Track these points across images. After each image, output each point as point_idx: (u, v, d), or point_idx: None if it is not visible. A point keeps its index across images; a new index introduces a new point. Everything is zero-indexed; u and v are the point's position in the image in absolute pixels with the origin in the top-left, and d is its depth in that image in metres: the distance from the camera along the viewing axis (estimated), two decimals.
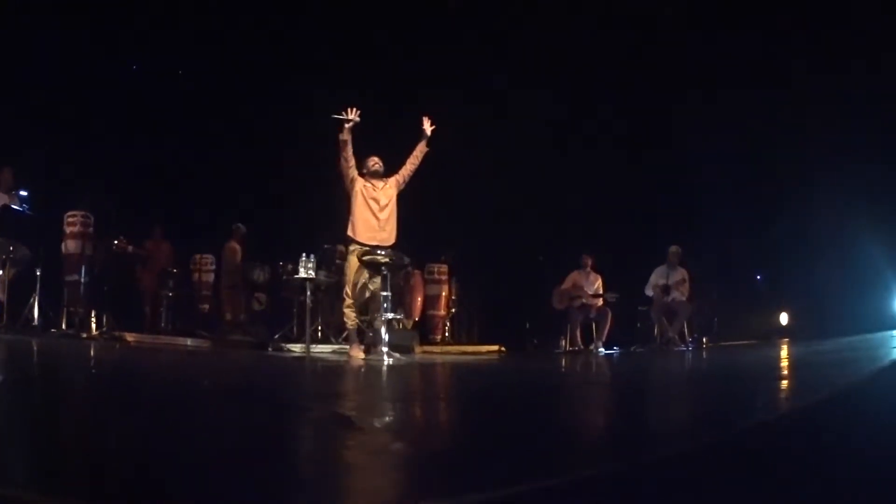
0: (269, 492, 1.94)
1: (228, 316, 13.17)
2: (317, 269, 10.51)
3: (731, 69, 13.75)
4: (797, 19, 13.10)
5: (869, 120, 13.06)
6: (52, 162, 11.27)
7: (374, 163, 9.83)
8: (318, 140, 13.15)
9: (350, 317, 9.85)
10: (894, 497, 2.16)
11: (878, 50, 12.55)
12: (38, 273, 10.08)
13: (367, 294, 9.69)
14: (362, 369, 7.95)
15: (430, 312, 13.85)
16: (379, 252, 9.32)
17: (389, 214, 9.79)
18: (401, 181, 9.87)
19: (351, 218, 9.70)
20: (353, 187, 9.64)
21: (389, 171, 9.88)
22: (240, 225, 13.46)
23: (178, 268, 13.15)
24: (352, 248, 9.62)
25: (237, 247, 13.38)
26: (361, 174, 9.74)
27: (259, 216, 13.69)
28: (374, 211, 9.69)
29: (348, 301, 9.79)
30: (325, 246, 11.95)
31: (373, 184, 9.72)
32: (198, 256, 13.50)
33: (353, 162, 9.57)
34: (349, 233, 9.68)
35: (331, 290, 12.02)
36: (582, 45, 14.00)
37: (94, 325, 10.44)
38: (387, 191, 9.78)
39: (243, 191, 13.49)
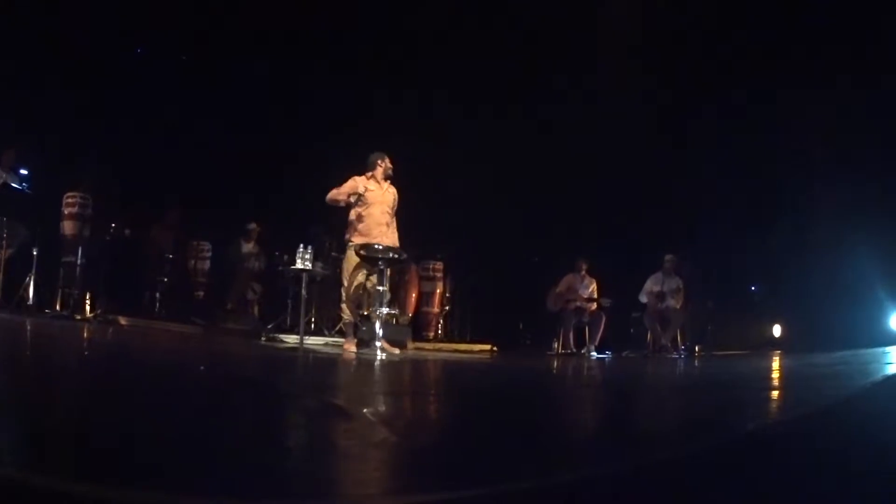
0: (260, 477, 1.95)
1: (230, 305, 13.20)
2: (313, 261, 10.51)
3: (731, 81, 13.77)
4: (796, 32, 13.11)
5: (866, 135, 13.09)
6: (53, 142, 11.24)
7: (390, 167, 9.87)
8: (318, 132, 13.24)
9: (346, 311, 9.88)
10: None
11: (876, 65, 12.57)
12: (35, 253, 10.09)
13: (362, 290, 9.71)
14: (354, 363, 7.96)
15: (425, 309, 13.85)
16: (376, 246, 9.32)
17: (391, 219, 9.89)
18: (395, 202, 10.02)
19: (358, 216, 9.72)
20: (359, 194, 9.67)
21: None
22: (254, 225, 13.51)
23: (174, 254, 13.15)
24: (353, 242, 9.61)
25: (244, 244, 13.44)
26: (372, 174, 9.80)
27: (258, 205, 13.69)
28: (383, 211, 9.74)
29: (345, 295, 9.82)
30: (322, 238, 11.96)
31: (380, 185, 9.76)
32: (194, 243, 13.50)
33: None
34: (355, 231, 9.71)
35: (326, 282, 12.04)
36: (584, 47, 14.03)
37: (88, 307, 10.43)
38: (390, 195, 9.86)
39: (243, 180, 13.46)
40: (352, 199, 9.67)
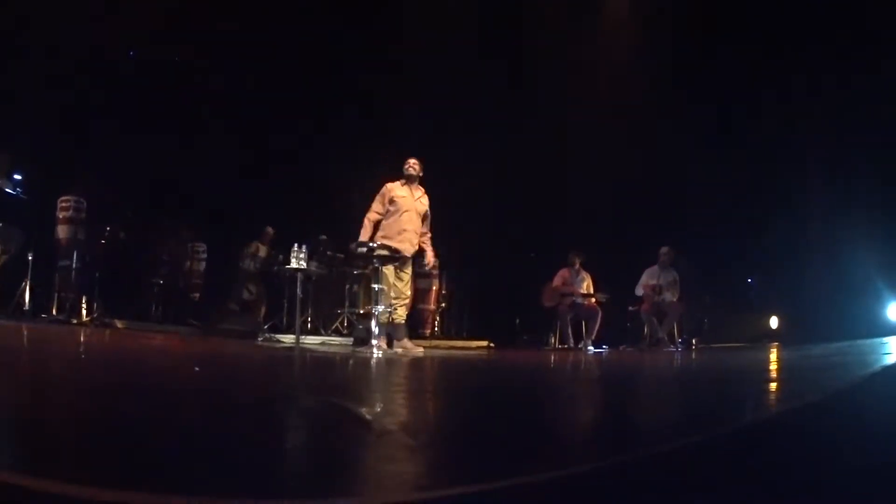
0: (260, 477, 1.95)
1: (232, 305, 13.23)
2: (308, 260, 10.50)
3: (725, 76, 13.78)
4: (792, 26, 13.12)
5: (862, 126, 13.10)
6: (48, 146, 11.20)
7: (410, 168, 10.07)
8: (315, 133, 13.21)
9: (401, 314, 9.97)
10: (881, 500, 2.17)
11: (873, 58, 12.58)
12: (31, 258, 10.07)
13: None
14: (350, 361, 7.93)
15: (420, 307, 13.83)
16: (371, 244, 9.36)
17: (420, 227, 10.09)
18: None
19: (386, 219, 9.92)
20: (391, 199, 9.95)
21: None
22: (270, 229, 13.54)
23: (169, 255, 13.14)
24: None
25: (260, 246, 13.47)
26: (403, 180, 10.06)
27: (253, 206, 13.68)
28: (410, 218, 9.97)
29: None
30: (320, 237, 11.99)
31: (410, 191, 10.04)
32: (190, 245, 13.48)
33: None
34: (380, 234, 9.88)
35: (321, 281, 12.05)
36: (579, 46, 14.06)
37: (84, 311, 10.41)
38: (421, 204, 10.08)
39: (239, 181, 13.43)
40: (384, 210, 9.89)
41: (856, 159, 13.28)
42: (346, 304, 12.78)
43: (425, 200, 10.00)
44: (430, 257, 10.15)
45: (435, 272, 13.94)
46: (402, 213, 9.79)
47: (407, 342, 9.80)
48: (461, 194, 13.42)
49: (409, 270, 10.04)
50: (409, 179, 9.93)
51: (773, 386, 5.59)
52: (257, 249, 13.50)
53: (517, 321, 15.93)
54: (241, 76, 13.21)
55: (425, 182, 10.13)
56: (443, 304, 14.52)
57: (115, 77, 12.13)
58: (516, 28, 14.55)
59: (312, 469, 2.24)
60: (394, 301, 9.77)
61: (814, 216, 14.28)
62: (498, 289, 15.28)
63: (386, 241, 9.55)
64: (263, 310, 13.43)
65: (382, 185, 10.00)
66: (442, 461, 2.41)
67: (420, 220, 9.94)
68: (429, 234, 10.11)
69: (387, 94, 13.90)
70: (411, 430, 3.03)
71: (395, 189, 9.88)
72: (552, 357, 11.21)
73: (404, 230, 9.76)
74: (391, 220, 9.81)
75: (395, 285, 9.76)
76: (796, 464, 2.42)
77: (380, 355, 8.59)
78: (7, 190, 10.00)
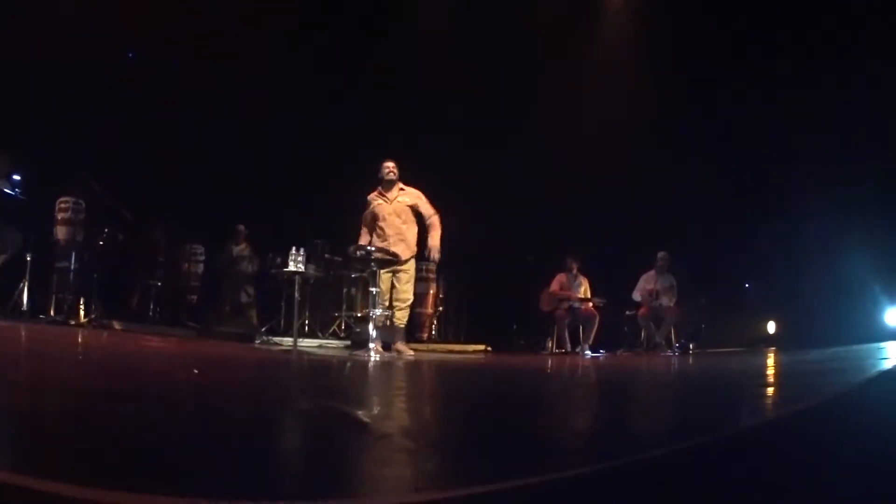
0: (259, 481, 1.95)
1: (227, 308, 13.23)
2: (306, 263, 10.50)
3: (721, 80, 13.80)
4: (789, 29, 13.14)
5: (858, 130, 13.11)
6: (47, 147, 11.18)
7: (385, 170, 10.09)
8: (313, 137, 13.19)
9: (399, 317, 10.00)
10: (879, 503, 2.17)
11: (869, 61, 12.60)
12: (29, 258, 10.06)
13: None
14: (348, 364, 7.92)
15: (418, 310, 13.81)
16: (368, 248, 9.38)
17: (407, 228, 10.08)
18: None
19: (374, 230, 10.08)
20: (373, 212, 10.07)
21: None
22: (242, 227, 13.54)
23: (167, 257, 13.13)
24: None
25: (235, 247, 13.48)
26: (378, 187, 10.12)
27: (251, 208, 13.66)
28: (391, 223, 10.02)
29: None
30: (316, 241, 11.98)
31: (386, 197, 10.11)
32: (187, 246, 13.47)
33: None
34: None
35: (318, 284, 12.05)
36: (574, 48, 14.07)
37: (82, 312, 10.40)
38: (400, 204, 10.05)
39: (237, 182, 13.40)
40: (371, 221, 10.06)
41: (853, 163, 13.29)
42: (344, 307, 12.77)
43: (405, 198, 10.03)
44: (432, 252, 10.02)
45: (432, 276, 13.95)
46: (382, 220, 9.94)
47: (401, 345, 9.80)
48: (458, 198, 13.43)
49: (409, 274, 10.05)
50: (385, 184, 9.97)
51: (771, 390, 5.59)
52: (230, 250, 13.48)
53: (514, 325, 15.90)
54: (240, 78, 13.18)
55: (423, 185, 10.14)
56: (440, 308, 14.51)
57: (115, 78, 12.11)
58: (515, 30, 14.55)
59: (309, 471, 2.24)
60: (394, 304, 9.80)
61: (811, 220, 14.28)
62: (495, 293, 15.27)
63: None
64: (255, 312, 13.43)
65: (376, 188, 10.08)
66: (439, 464, 2.41)
67: (403, 220, 9.96)
68: (434, 217, 10.08)
69: (385, 97, 13.92)
70: (409, 433, 3.04)
71: (374, 200, 10.07)
72: (549, 361, 11.22)
73: (387, 235, 9.85)
74: (376, 229, 9.95)
75: (395, 288, 9.80)
76: (794, 467, 2.42)
77: (377, 358, 8.59)
78: (6, 190, 9.98)
